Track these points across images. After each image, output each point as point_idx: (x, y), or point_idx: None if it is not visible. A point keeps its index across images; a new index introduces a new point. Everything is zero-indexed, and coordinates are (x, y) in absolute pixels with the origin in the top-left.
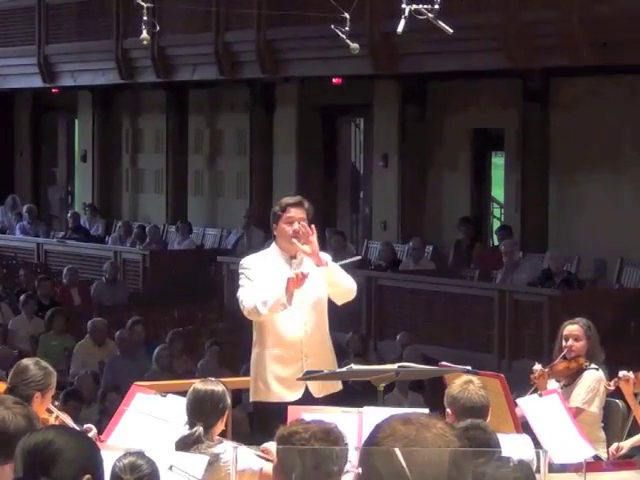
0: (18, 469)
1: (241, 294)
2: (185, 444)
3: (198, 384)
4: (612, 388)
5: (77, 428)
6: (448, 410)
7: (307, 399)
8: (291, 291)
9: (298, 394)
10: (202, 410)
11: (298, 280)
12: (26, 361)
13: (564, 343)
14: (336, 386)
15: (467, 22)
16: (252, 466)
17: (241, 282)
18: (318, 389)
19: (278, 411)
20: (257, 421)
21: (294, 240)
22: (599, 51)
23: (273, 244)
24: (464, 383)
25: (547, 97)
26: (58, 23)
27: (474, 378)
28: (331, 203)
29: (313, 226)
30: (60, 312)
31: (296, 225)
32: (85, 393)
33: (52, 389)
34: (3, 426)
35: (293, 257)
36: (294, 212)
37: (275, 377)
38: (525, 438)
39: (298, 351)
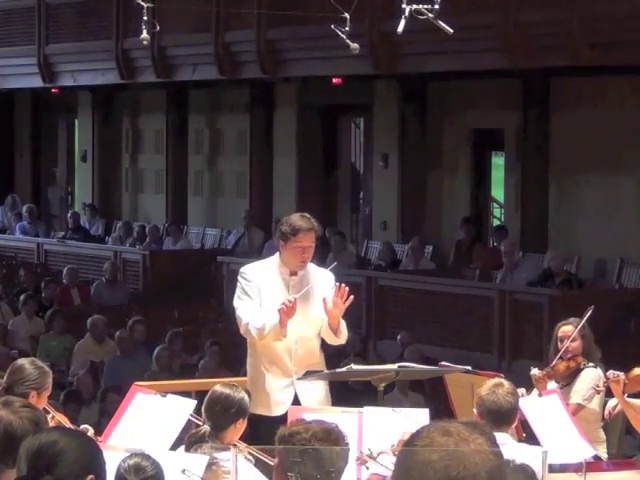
0: (22, 468)
1: (238, 308)
2: (190, 441)
3: (218, 386)
4: (602, 389)
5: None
6: (475, 410)
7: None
8: (284, 322)
9: (281, 411)
10: (213, 410)
11: (288, 309)
12: (22, 360)
13: (560, 344)
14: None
15: (467, 22)
16: None
17: (239, 293)
18: (310, 406)
19: (264, 424)
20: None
21: (328, 301)
22: (599, 51)
23: (277, 255)
24: (493, 386)
25: (547, 97)
26: (58, 23)
27: (505, 382)
28: (331, 203)
29: (349, 292)
30: (60, 312)
31: (307, 252)
32: (85, 393)
33: (48, 389)
34: (11, 430)
35: (294, 274)
36: (305, 239)
37: (263, 390)
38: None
39: (287, 369)
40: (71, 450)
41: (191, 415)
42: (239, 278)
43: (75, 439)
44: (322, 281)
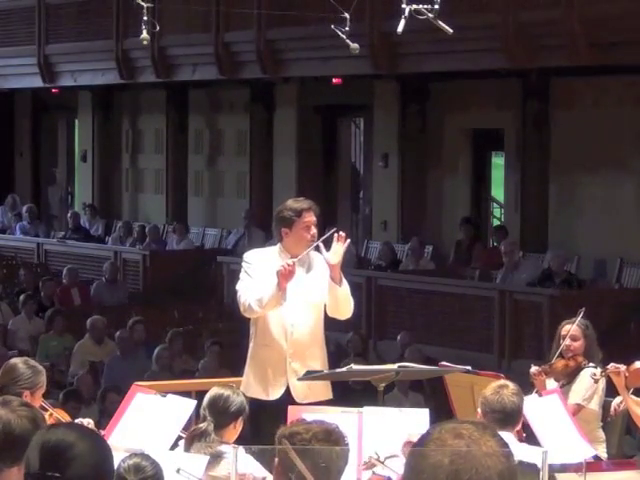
0: (33, 463)
1: (239, 289)
2: (194, 436)
3: (216, 387)
4: (597, 377)
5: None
6: (479, 410)
7: (289, 402)
8: (283, 285)
9: (274, 395)
10: (215, 408)
11: (286, 272)
12: (14, 360)
13: (562, 342)
14: (326, 393)
15: (467, 22)
16: (255, 473)
17: (241, 276)
18: (303, 394)
19: (257, 407)
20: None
21: (324, 251)
22: (599, 51)
23: (279, 245)
24: (498, 387)
25: (547, 97)
26: (58, 23)
27: (510, 383)
28: (331, 203)
29: (344, 235)
30: (60, 312)
31: (313, 229)
32: (85, 393)
33: (42, 387)
34: (9, 429)
35: (294, 257)
36: (309, 217)
37: (257, 373)
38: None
39: (282, 352)
40: (86, 455)
41: (180, 432)
42: (242, 264)
43: (92, 443)
44: (322, 265)
